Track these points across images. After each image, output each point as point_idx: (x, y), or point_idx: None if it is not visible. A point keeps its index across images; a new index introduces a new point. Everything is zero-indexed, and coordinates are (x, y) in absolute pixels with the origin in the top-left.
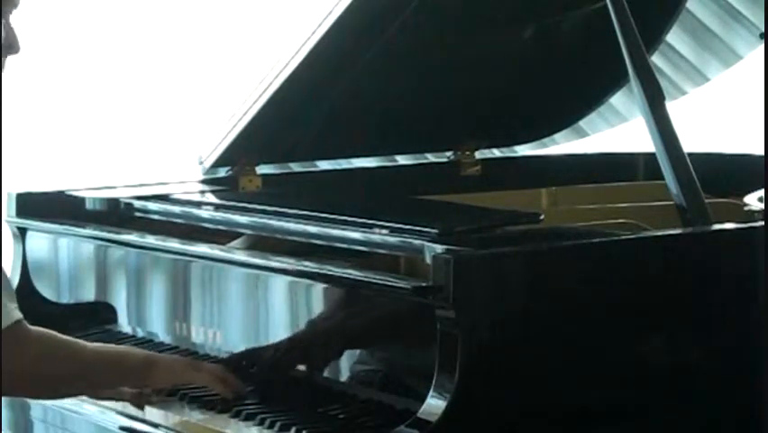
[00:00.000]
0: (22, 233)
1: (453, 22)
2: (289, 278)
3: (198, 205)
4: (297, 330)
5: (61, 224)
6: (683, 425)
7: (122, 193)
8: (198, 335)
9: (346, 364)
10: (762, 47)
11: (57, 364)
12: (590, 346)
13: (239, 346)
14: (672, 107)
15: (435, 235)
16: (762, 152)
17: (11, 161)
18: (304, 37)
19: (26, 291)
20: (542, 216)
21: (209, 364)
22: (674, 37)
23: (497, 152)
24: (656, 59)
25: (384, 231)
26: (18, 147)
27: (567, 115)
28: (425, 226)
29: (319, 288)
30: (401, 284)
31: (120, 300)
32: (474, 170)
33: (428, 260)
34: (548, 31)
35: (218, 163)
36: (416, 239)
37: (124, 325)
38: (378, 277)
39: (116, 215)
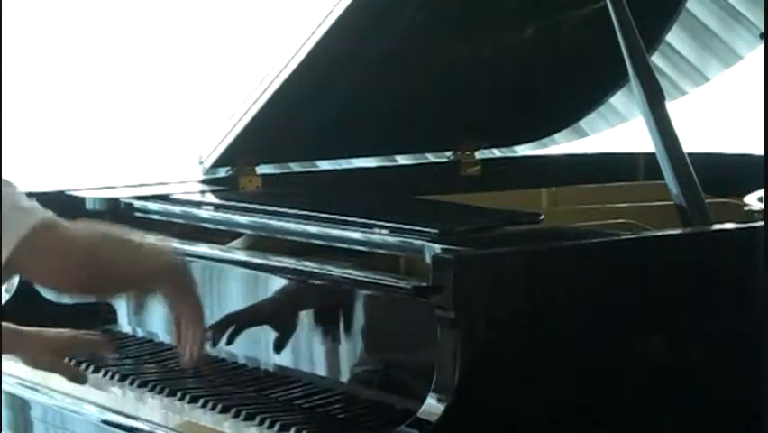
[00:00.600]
0: None
1: (454, 22)
2: (289, 278)
3: (198, 205)
4: (297, 330)
5: None
6: (683, 425)
7: (122, 193)
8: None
9: (346, 364)
10: (762, 47)
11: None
12: (590, 346)
13: (239, 346)
14: (672, 107)
15: (435, 235)
16: (762, 151)
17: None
18: (304, 37)
19: (26, 291)
20: (542, 216)
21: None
22: (674, 37)
23: (497, 152)
24: (656, 59)
25: (384, 231)
26: (18, 147)
27: (567, 115)
28: (425, 226)
29: (319, 288)
30: (401, 284)
31: (120, 300)
32: (474, 170)
33: (428, 260)
34: (548, 31)
35: (218, 163)
36: (416, 239)
37: (124, 325)
38: (378, 277)
39: (116, 215)
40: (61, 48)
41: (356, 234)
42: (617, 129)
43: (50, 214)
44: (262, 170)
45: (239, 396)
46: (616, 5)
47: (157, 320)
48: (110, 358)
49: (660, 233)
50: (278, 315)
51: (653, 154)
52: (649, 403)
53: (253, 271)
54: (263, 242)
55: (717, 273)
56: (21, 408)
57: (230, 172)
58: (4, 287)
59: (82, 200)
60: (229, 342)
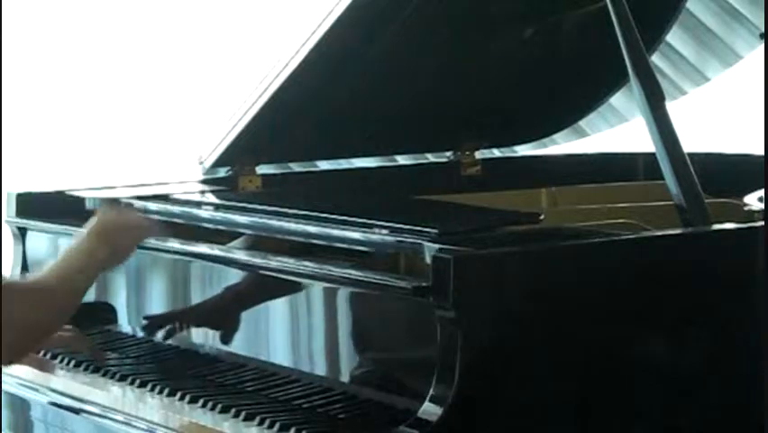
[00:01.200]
0: (22, 233)
1: (454, 22)
2: (289, 278)
3: (198, 205)
4: (296, 330)
5: (61, 224)
6: (684, 425)
7: (122, 193)
8: (198, 335)
9: (346, 364)
10: (762, 47)
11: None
12: (590, 346)
13: (239, 346)
14: (672, 107)
15: (435, 235)
16: (762, 151)
17: (11, 161)
18: (304, 37)
19: None
20: (542, 216)
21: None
22: (674, 37)
23: (497, 152)
24: (656, 59)
25: (384, 231)
26: (18, 147)
27: (567, 115)
28: (425, 226)
29: (319, 288)
30: (401, 284)
31: (120, 300)
32: (474, 170)
33: (428, 260)
34: (548, 31)
35: (218, 163)
36: (416, 239)
37: (124, 325)
38: (378, 277)
39: None
40: (61, 48)
41: (356, 234)
42: (617, 129)
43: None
44: (262, 170)
45: (239, 396)
46: (616, 5)
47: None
48: (110, 358)
49: (660, 233)
50: (277, 315)
51: (653, 154)
52: (649, 403)
53: (253, 272)
54: (263, 242)
55: (717, 273)
56: (21, 408)
57: (230, 172)
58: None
59: (82, 200)
60: (228, 341)
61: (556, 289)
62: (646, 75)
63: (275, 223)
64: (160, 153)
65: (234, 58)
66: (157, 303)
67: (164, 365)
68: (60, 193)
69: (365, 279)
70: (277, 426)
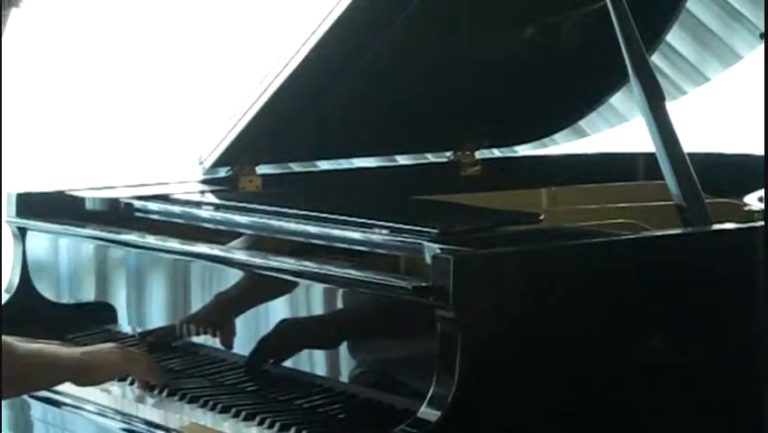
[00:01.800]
0: (22, 233)
1: (454, 21)
2: (289, 278)
3: (198, 205)
4: (297, 330)
5: (61, 224)
6: (684, 425)
7: (122, 193)
8: (198, 335)
9: (346, 364)
10: (762, 47)
11: None
12: (590, 346)
13: (238, 346)
14: (672, 107)
15: (435, 235)
16: (762, 151)
17: (11, 161)
18: (304, 37)
19: (26, 292)
20: (542, 216)
21: (141, 354)
22: (674, 37)
23: (497, 152)
24: (656, 59)
25: (384, 231)
26: (18, 147)
27: (567, 115)
28: (425, 226)
29: (319, 288)
30: (401, 284)
31: (120, 300)
32: (474, 170)
33: (428, 260)
34: (548, 31)
35: (218, 163)
36: (415, 239)
37: (124, 325)
38: (378, 277)
39: (116, 215)
40: (61, 48)
41: (356, 235)
42: (617, 129)
43: None
44: (262, 170)
45: (239, 396)
46: (616, 5)
47: (157, 320)
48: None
49: (660, 233)
50: (277, 315)
51: (653, 154)
52: (649, 403)
53: (253, 272)
54: (263, 242)
55: (717, 273)
56: (21, 408)
57: (230, 172)
58: (3, 286)
59: (82, 200)
60: (228, 341)
61: (556, 289)
62: (646, 75)
63: (275, 223)
64: (160, 153)
65: (234, 58)
66: (157, 303)
67: (164, 365)
68: (60, 193)
69: (365, 279)
70: (277, 426)
